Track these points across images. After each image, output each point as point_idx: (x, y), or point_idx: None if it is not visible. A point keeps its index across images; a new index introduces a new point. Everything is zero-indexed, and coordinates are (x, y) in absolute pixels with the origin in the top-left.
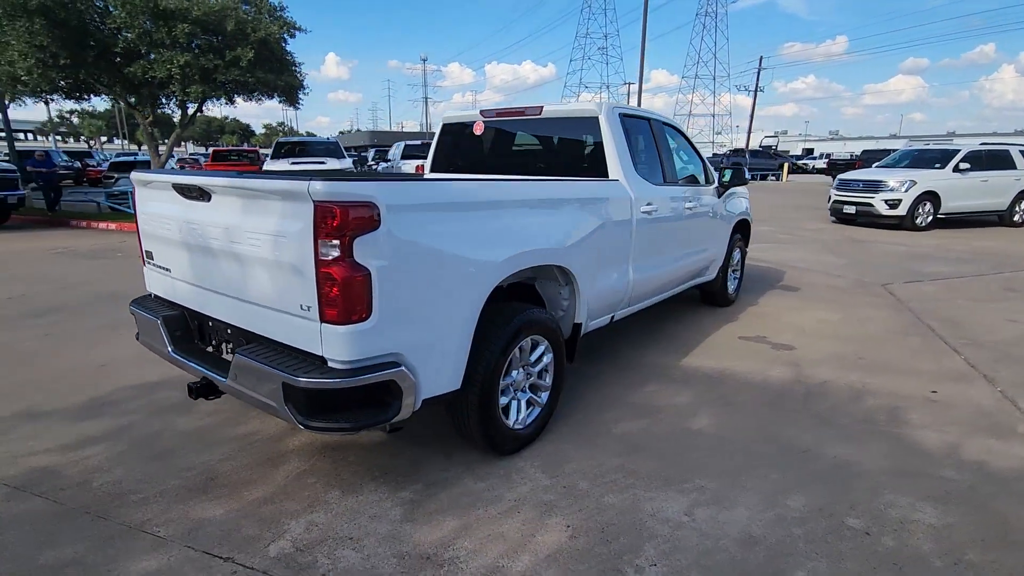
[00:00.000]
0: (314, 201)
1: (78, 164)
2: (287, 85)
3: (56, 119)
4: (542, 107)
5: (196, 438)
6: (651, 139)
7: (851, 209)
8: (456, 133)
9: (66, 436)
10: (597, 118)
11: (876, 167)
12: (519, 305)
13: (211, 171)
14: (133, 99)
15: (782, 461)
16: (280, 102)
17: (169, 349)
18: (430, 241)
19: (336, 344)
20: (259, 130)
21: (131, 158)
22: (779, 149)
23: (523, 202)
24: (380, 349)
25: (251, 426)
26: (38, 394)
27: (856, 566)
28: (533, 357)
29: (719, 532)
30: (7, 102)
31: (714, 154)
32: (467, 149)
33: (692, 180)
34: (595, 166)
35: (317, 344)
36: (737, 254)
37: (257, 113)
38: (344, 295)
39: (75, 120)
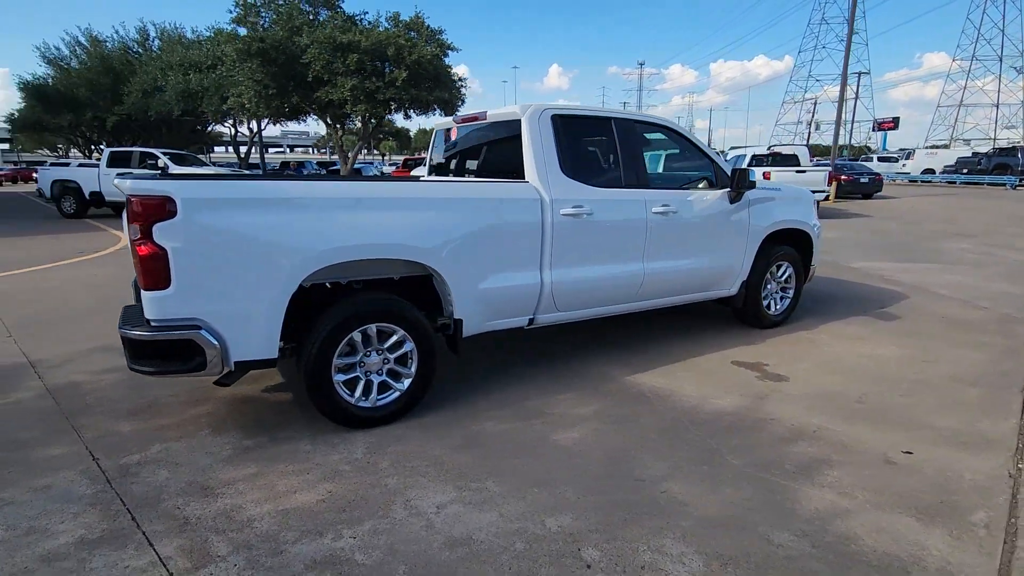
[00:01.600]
0: (126, 195)
1: (324, 171)
2: (438, 99)
3: (326, 135)
4: (487, 112)
5: (177, 379)
6: (610, 141)
7: None
8: (443, 138)
9: (107, 365)
10: (519, 121)
11: None
12: (365, 294)
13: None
14: (329, 119)
15: (599, 483)
16: (440, 115)
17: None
18: (229, 230)
19: (148, 306)
20: None
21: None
22: None
23: (353, 200)
24: (180, 313)
25: None
26: None
27: None
28: (387, 344)
29: (444, 528)
30: (249, 126)
31: (973, 152)
32: (448, 152)
33: (686, 183)
34: (520, 167)
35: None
36: (786, 270)
37: None
38: (145, 268)
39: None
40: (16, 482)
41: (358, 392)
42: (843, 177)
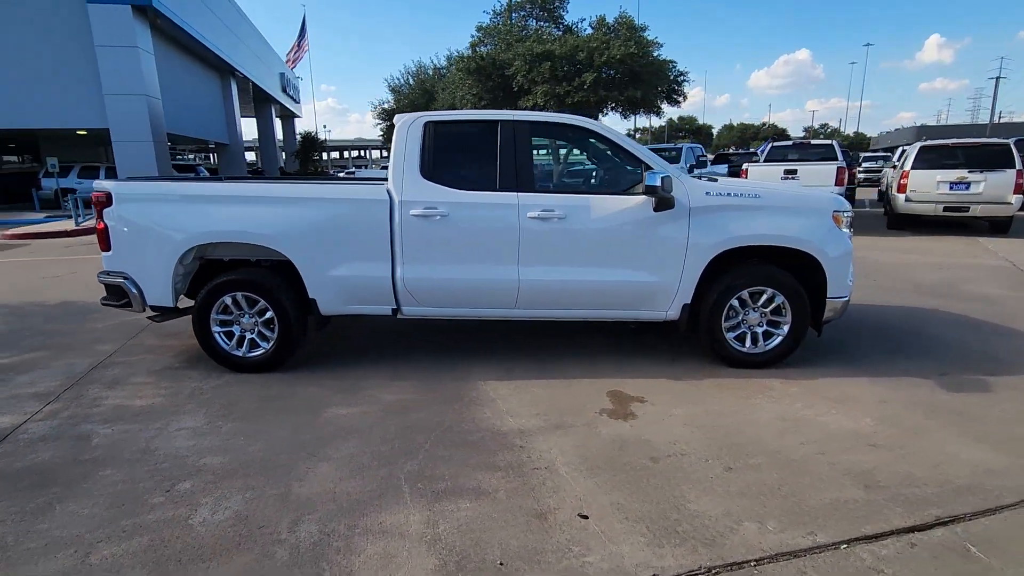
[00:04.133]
0: (92, 191)
1: None
2: (628, 99)
3: None
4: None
5: None
6: (491, 144)
7: None
8: None
9: None
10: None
11: None
12: (247, 269)
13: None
14: None
15: (284, 447)
16: (642, 113)
17: None
18: (141, 215)
19: (103, 262)
20: (797, 132)
21: None
22: None
23: (221, 197)
24: (117, 268)
25: None
26: None
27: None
28: (254, 309)
29: (155, 442)
30: None
31: None
32: None
33: (622, 189)
34: None
35: None
36: (773, 299)
37: (800, 118)
38: (99, 238)
39: None
40: (62, 358)
41: (233, 343)
42: None
